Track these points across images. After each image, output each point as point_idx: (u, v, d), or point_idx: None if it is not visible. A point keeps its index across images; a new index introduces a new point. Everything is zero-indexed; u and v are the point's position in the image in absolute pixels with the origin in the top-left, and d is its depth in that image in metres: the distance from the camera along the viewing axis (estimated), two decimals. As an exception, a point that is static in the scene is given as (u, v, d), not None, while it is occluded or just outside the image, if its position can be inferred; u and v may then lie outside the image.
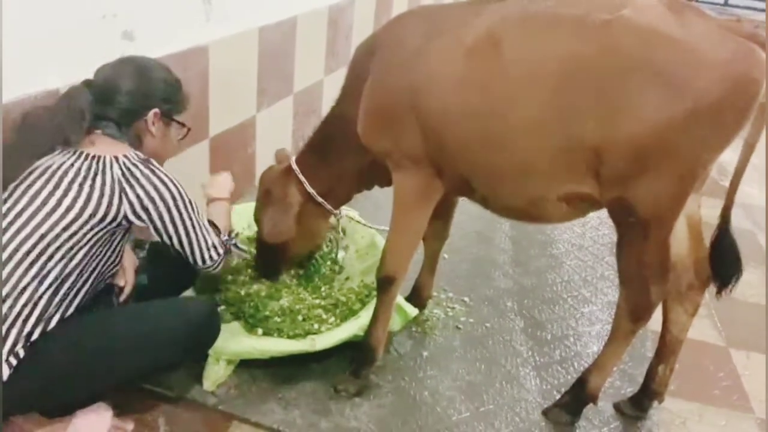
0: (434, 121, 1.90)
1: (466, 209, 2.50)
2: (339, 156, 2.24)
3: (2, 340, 1.57)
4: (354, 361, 2.21)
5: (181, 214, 1.78)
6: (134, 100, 1.78)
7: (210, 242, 1.89)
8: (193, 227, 1.83)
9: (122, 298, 1.92)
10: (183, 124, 1.94)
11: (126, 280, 1.93)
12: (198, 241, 1.85)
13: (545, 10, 1.80)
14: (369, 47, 2.11)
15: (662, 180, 1.73)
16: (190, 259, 1.88)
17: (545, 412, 2.18)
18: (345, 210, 2.56)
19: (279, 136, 3.69)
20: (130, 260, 1.95)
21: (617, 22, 1.68)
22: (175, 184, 1.76)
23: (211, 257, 1.90)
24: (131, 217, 1.71)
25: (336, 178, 2.28)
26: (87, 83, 1.77)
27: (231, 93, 3.01)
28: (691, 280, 2.05)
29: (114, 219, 1.68)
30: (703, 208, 2.05)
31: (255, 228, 2.73)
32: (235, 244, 2.12)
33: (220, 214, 2.10)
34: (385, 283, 2.14)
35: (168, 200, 1.73)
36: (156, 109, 1.81)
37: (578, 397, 2.13)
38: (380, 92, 2.00)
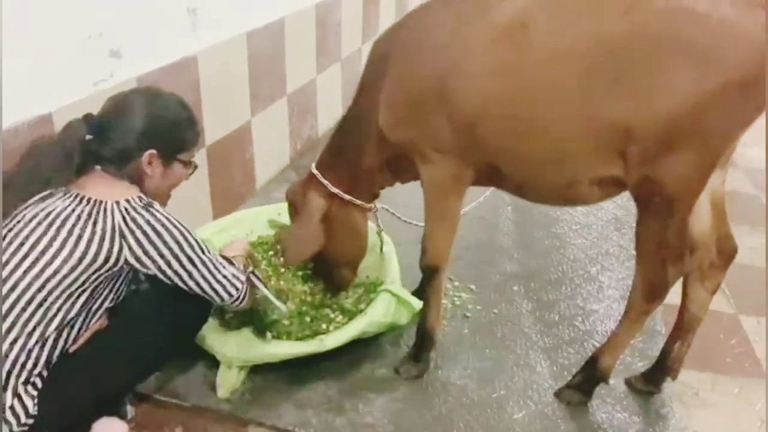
0: (464, 110, 1.90)
1: (468, 196, 2.50)
2: (359, 152, 2.22)
3: (5, 379, 1.60)
4: (413, 346, 2.30)
5: (190, 258, 1.72)
6: (128, 139, 1.69)
7: (229, 274, 1.84)
8: (206, 267, 1.77)
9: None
10: (188, 163, 1.85)
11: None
12: (216, 278, 1.80)
13: None
14: (389, 40, 2.10)
15: (690, 157, 1.72)
16: (214, 299, 1.84)
17: (557, 394, 2.19)
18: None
19: (276, 138, 3.70)
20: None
21: (643, 1, 1.68)
22: (178, 228, 1.70)
23: (233, 289, 1.85)
24: (133, 263, 1.66)
25: (359, 175, 2.26)
26: (86, 117, 1.70)
27: (224, 100, 3.02)
28: (713, 258, 2.05)
29: (115, 264, 1.65)
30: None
31: (258, 233, 2.76)
32: (252, 272, 2.02)
33: (231, 251, 2.08)
34: (429, 272, 2.20)
35: (172, 245, 1.68)
36: (152, 150, 1.72)
37: (590, 376, 2.14)
38: (406, 83, 2.00)
